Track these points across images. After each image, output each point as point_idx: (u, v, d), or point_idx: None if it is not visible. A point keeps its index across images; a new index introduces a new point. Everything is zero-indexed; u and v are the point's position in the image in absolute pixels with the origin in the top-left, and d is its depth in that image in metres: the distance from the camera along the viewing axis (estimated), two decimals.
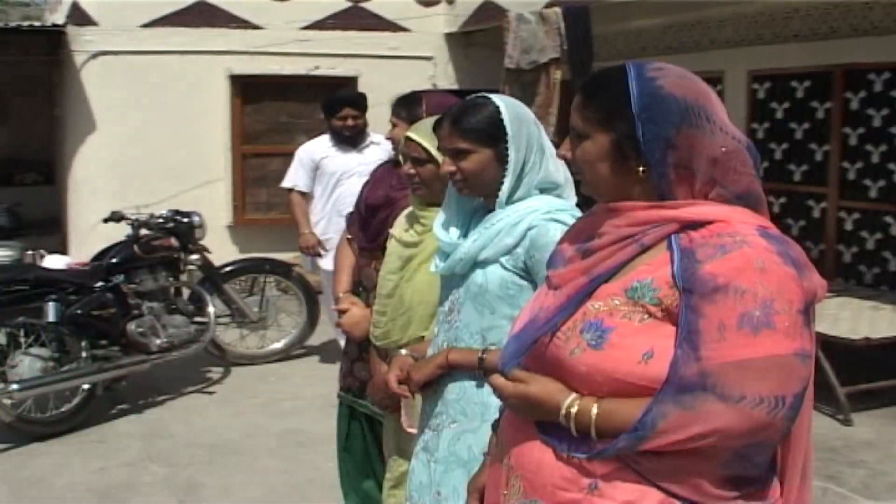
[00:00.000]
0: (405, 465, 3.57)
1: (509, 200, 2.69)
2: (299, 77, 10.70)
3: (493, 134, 2.66)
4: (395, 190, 3.90)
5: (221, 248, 7.77)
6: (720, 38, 9.31)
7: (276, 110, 10.75)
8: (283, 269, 7.56)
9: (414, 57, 11.27)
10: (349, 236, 4.18)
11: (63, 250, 10.15)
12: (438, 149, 2.83)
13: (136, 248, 6.53)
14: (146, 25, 10.28)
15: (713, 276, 1.75)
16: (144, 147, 10.22)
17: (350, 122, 6.74)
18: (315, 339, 7.69)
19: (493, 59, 11.05)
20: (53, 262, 6.60)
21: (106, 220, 7.01)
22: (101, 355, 6.08)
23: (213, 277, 7.12)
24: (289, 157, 10.52)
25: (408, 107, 3.92)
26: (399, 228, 3.47)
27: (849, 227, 7.97)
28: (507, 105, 2.70)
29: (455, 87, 11.34)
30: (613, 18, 9.38)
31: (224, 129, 10.56)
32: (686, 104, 1.87)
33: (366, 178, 5.61)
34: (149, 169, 10.17)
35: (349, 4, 10.95)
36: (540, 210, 2.65)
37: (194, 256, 6.95)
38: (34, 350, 5.82)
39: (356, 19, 11.00)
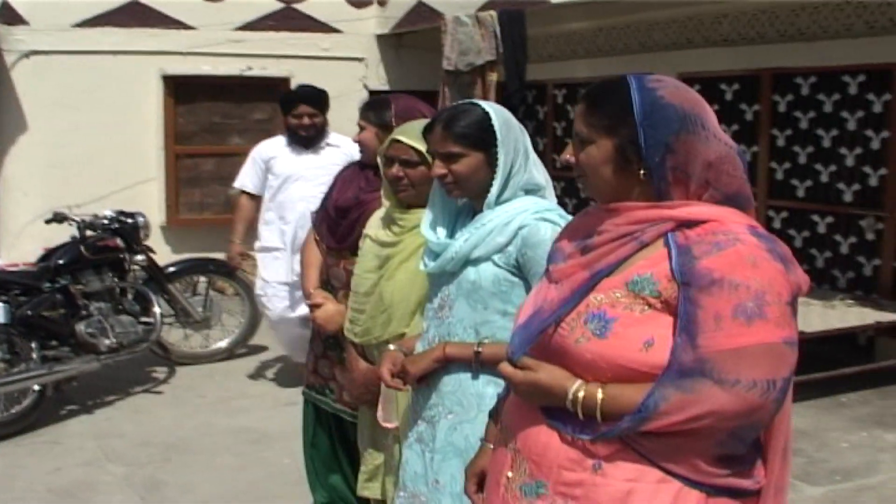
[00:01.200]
0: (380, 458, 3.70)
1: (497, 201, 2.82)
2: (232, 78, 10.70)
3: (484, 138, 2.79)
4: (364, 192, 4.00)
5: (155, 249, 7.73)
6: (650, 41, 9.56)
7: (209, 111, 10.73)
8: (226, 270, 7.57)
9: (346, 58, 11.34)
10: (316, 237, 4.27)
11: None
12: (428, 151, 2.94)
13: (82, 248, 6.52)
14: (78, 25, 10.20)
15: (709, 270, 1.91)
16: (77, 147, 10.14)
17: (306, 120, 6.38)
18: (258, 339, 7.74)
19: (425, 60, 11.22)
20: None
21: (48, 221, 7.01)
22: (51, 356, 6.09)
23: (158, 278, 7.14)
24: (222, 157, 10.68)
25: (376, 110, 4.00)
26: (374, 229, 3.57)
27: (777, 225, 8.25)
28: (495, 111, 2.84)
29: (386, 87, 11.46)
30: (544, 21, 9.58)
31: (157, 129, 10.51)
32: (684, 112, 2.02)
33: (315, 183, 5.84)
34: (81, 169, 10.10)
35: (282, 6, 10.98)
36: (529, 210, 2.78)
37: (139, 257, 6.97)
38: None
39: (288, 20, 11.03)
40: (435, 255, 2.89)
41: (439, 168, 2.83)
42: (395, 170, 3.35)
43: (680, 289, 1.94)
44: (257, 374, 7.17)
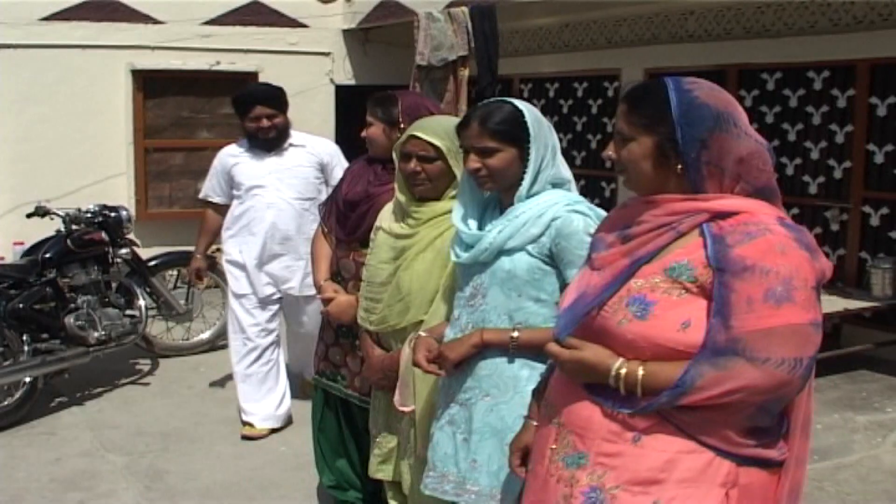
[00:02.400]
0: (393, 442, 3.84)
1: (528, 194, 2.98)
2: (200, 72, 10.72)
3: (517, 134, 2.95)
4: (373, 185, 4.13)
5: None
6: (617, 37, 9.76)
7: (177, 105, 10.74)
8: (211, 262, 7.63)
9: (313, 52, 11.43)
10: (325, 229, 4.40)
11: None
12: (462, 147, 3.08)
13: (68, 242, 6.58)
14: (46, 19, 10.16)
15: (742, 258, 2.09)
16: (46, 142, 10.12)
17: (265, 122, 5.73)
18: None
19: (392, 54, 11.38)
20: None
21: (30, 215, 7.02)
22: (43, 349, 6.14)
23: (141, 271, 7.21)
24: (191, 151, 10.72)
25: (384, 107, 4.15)
26: (387, 222, 3.72)
27: None
28: (527, 109, 2.99)
29: (353, 82, 11.60)
30: (512, 17, 9.76)
31: (126, 123, 10.51)
32: (718, 111, 2.20)
33: (281, 188, 5.75)
34: (50, 164, 10.07)
35: (249, 0, 11.04)
36: (560, 203, 2.94)
37: (123, 250, 7.03)
38: None
39: (256, 15, 11.09)
40: (467, 246, 3.04)
41: (474, 162, 2.97)
42: (413, 164, 3.49)
43: (715, 274, 2.11)
44: None
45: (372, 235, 3.84)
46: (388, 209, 3.79)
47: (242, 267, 5.84)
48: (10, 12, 10.00)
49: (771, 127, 8.34)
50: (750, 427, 2.18)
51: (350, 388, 4.29)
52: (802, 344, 2.09)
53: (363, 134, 4.25)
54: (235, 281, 5.90)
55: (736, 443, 2.16)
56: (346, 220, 4.22)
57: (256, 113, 5.73)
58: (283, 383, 5.95)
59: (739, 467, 2.17)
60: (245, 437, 5.71)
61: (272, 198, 5.76)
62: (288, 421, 5.92)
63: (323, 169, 5.90)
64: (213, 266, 7.44)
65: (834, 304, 7.16)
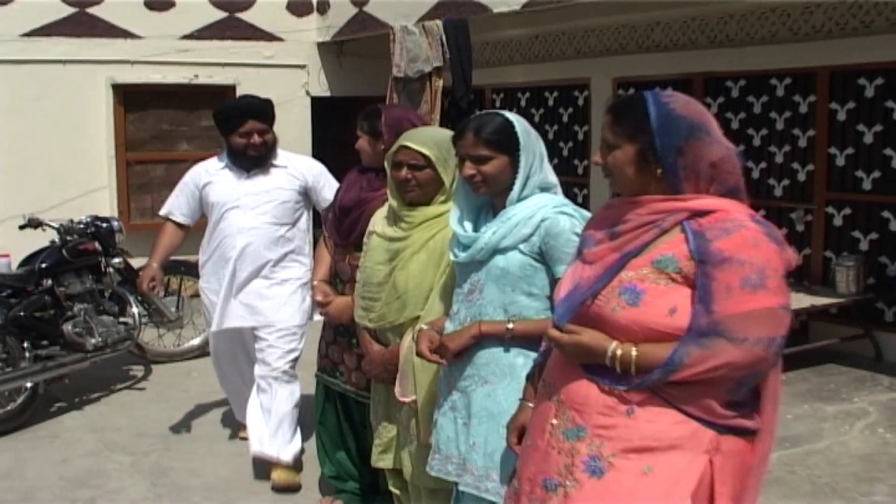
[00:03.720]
0: (393, 431, 4.11)
1: (518, 198, 3.26)
2: (180, 86, 10.97)
3: (508, 143, 3.23)
4: (365, 191, 4.44)
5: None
6: (585, 47, 10.08)
7: (157, 118, 10.99)
8: (197, 271, 7.83)
9: (288, 65, 11.70)
10: (325, 234, 4.69)
11: None
12: (457, 155, 3.36)
13: (64, 252, 6.80)
14: (27, 34, 10.37)
15: (721, 250, 2.39)
16: (28, 155, 10.32)
17: (257, 138, 5.28)
18: None
19: (366, 66, 11.66)
20: None
21: (23, 227, 7.26)
22: (43, 355, 6.36)
23: (133, 279, 7.41)
24: (171, 164, 10.93)
25: (369, 120, 4.47)
26: (380, 226, 4.00)
27: None
28: (517, 120, 3.28)
29: (328, 94, 11.87)
30: (484, 28, 10.05)
31: (107, 136, 10.74)
32: (692, 122, 2.50)
33: (255, 212, 5.27)
34: (33, 177, 10.27)
35: (225, 15, 11.28)
36: (549, 205, 3.23)
37: (116, 260, 7.26)
38: None
39: (233, 29, 11.34)
40: (464, 247, 3.32)
41: (470, 169, 3.25)
42: (404, 173, 3.77)
43: (697, 266, 2.40)
44: None
45: (365, 239, 4.12)
46: (380, 214, 4.07)
47: (213, 296, 5.43)
48: None
49: (737, 132, 8.67)
50: (730, 400, 2.46)
51: (348, 384, 4.57)
52: (776, 324, 2.38)
53: (356, 146, 4.57)
54: (208, 310, 5.54)
55: (718, 414, 2.44)
56: (340, 224, 4.51)
57: (248, 128, 5.26)
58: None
59: (721, 436, 2.45)
60: (244, 439, 5.60)
61: (244, 221, 5.29)
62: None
63: (307, 192, 5.43)
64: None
65: (801, 301, 7.48)
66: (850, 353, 7.67)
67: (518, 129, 3.25)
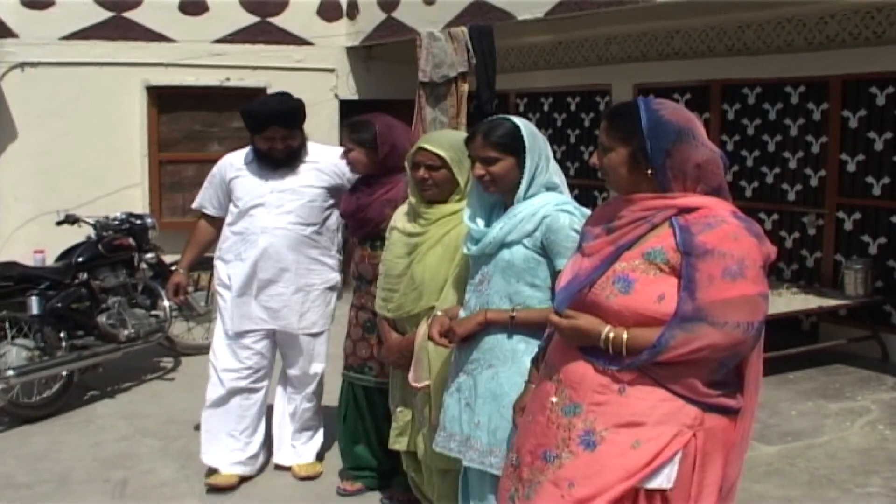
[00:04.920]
0: (409, 415, 4.37)
1: (525, 196, 3.52)
2: (212, 88, 11.25)
3: (515, 146, 3.50)
4: (363, 198, 4.80)
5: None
6: (608, 54, 10.30)
7: (190, 119, 11.29)
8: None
9: (318, 69, 11.96)
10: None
11: None
12: (469, 157, 3.62)
13: (99, 247, 7.11)
14: (66, 38, 10.68)
15: (704, 243, 2.64)
16: (65, 154, 10.65)
17: (279, 144, 5.15)
18: None
19: (394, 71, 11.90)
20: None
21: (60, 223, 7.56)
22: (79, 345, 6.67)
23: (164, 274, 7.70)
24: (202, 163, 11.20)
25: (360, 132, 4.80)
26: (401, 222, 4.28)
27: None
28: (524, 124, 3.55)
29: (356, 97, 12.12)
30: (508, 35, 10.28)
31: (141, 137, 11.05)
32: (679, 127, 2.75)
33: (281, 211, 5.14)
34: (69, 175, 10.59)
35: (257, 19, 11.56)
36: (551, 203, 3.49)
37: (149, 255, 7.55)
38: (20, 341, 6.35)
39: (264, 33, 11.62)
40: (476, 241, 3.59)
41: (480, 169, 3.53)
42: (422, 172, 4.05)
43: (683, 257, 2.66)
44: None
45: (387, 234, 4.40)
46: (400, 211, 4.36)
47: (228, 293, 5.27)
48: (33, 32, 10.54)
49: (751, 138, 8.89)
50: (712, 380, 2.70)
51: (380, 377, 4.82)
52: (753, 310, 2.63)
53: (342, 156, 4.90)
54: (221, 313, 5.34)
55: (701, 392, 2.69)
56: (352, 226, 4.91)
57: (270, 133, 5.11)
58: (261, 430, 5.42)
59: (705, 413, 2.70)
60: (211, 487, 5.18)
61: (267, 221, 5.16)
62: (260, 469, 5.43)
63: (337, 191, 5.23)
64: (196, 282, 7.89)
65: (810, 302, 7.71)
66: (857, 354, 7.87)
67: (524, 132, 3.51)
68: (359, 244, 4.88)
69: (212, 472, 5.25)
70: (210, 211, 5.49)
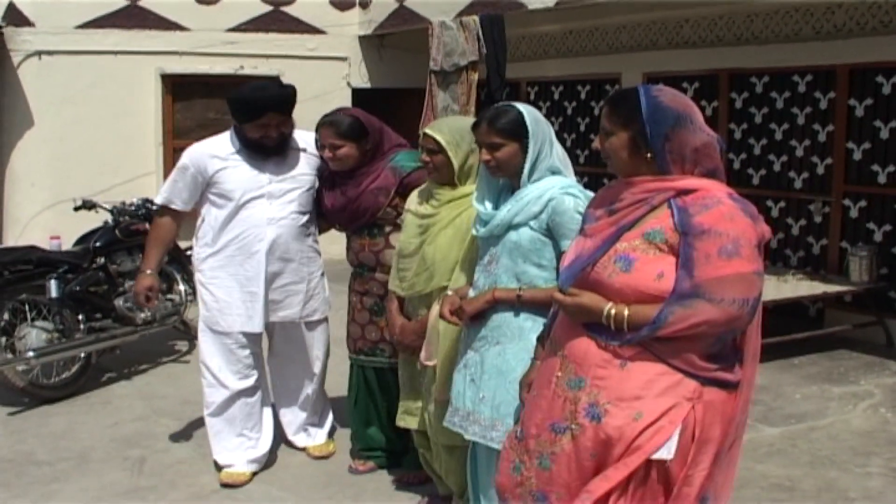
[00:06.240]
0: (418, 394, 4.49)
1: (530, 180, 3.64)
2: (225, 76, 11.44)
3: (518, 132, 3.62)
4: (349, 191, 4.85)
5: None
6: (617, 43, 10.39)
7: (204, 107, 11.47)
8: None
9: (330, 57, 12.12)
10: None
11: None
12: (476, 142, 3.74)
13: (117, 232, 7.25)
14: (81, 27, 10.89)
15: (701, 223, 2.75)
16: (80, 142, 10.85)
17: (273, 132, 4.89)
18: None
19: (405, 59, 12.03)
20: None
21: (77, 208, 7.69)
22: (96, 327, 6.81)
23: (179, 259, 7.85)
24: None
25: (342, 127, 4.79)
26: (414, 205, 4.40)
27: None
28: (527, 111, 3.67)
29: (368, 85, 12.27)
30: (519, 24, 10.39)
31: (155, 125, 11.25)
32: (677, 112, 2.86)
33: (283, 200, 4.96)
34: (84, 162, 10.80)
35: (270, 8, 11.73)
36: (556, 186, 3.61)
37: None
38: (39, 323, 6.49)
39: (277, 22, 11.80)
40: (484, 223, 3.71)
41: (485, 155, 3.66)
42: (424, 156, 4.20)
43: (680, 237, 2.76)
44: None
45: (403, 216, 4.52)
46: (414, 195, 4.47)
47: (229, 295, 5.01)
48: (48, 21, 10.71)
49: (759, 127, 8.99)
50: (710, 354, 2.82)
51: (392, 357, 4.90)
52: (748, 288, 2.73)
53: (328, 155, 4.82)
54: (218, 314, 5.05)
55: (700, 366, 2.80)
56: (343, 219, 4.99)
57: (266, 121, 4.84)
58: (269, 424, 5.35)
59: (703, 386, 2.81)
60: (225, 485, 5.10)
61: (272, 212, 4.95)
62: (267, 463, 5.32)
63: (317, 177, 5.12)
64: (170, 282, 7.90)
65: (816, 288, 7.80)
66: (861, 340, 7.97)
67: (527, 119, 3.63)
68: (355, 235, 4.95)
69: (223, 467, 5.18)
70: (178, 206, 5.11)
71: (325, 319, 5.38)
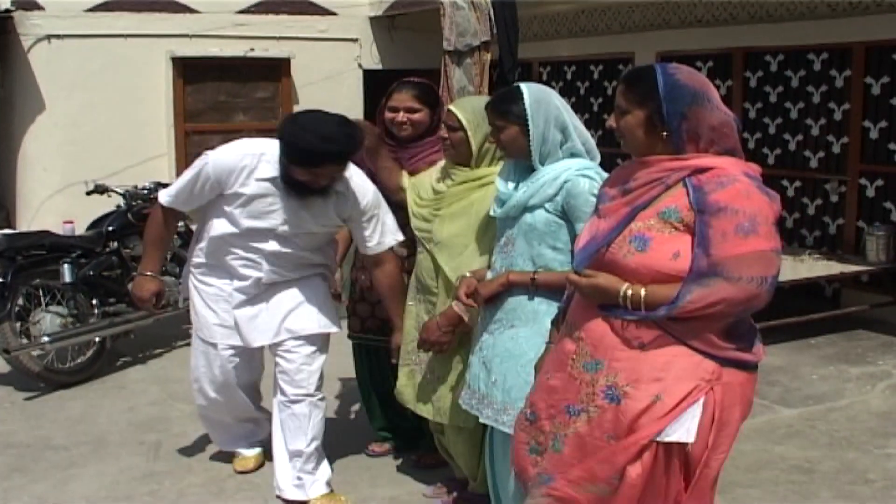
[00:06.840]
0: (405, 371, 4.44)
1: (544, 162, 3.60)
2: (236, 59, 11.41)
3: (518, 113, 3.60)
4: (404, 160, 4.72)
5: None
6: (630, 22, 10.33)
7: (215, 90, 11.44)
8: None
9: (341, 39, 12.07)
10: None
11: (9, 225, 10.76)
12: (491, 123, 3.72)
13: (129, 216, 7.23)
14: (91, 10, 10.85)
15: (717, 201, 2.71)
16: (91, 125, 10.82)
17: (323, 181, 4.34)
18: None
19: (417, 40, 11.97)
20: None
21: (90, 193, 7.66)
22: (111, 312, 6.81)
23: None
24: (228, 133, 11.30)
25: (427, 92, 4.75)
26: (429, 177, 4.38)
27: None
28: (529, 91, 3.63)
29: (379, 66, 12.22)
30: (531, 4, 10.32)
31: (167, 107, 11.21)
32: (695, 90, 2.83)
33: (290, 240, 4.50)
34: (96, 146, 10.76)
35: None
36: (572, 168, 3.58)
37: (178, 224, 7.64)
38: (53, 308, 6.50)
39: (287, 4, 11.75)
40: (502, 203, 3.68)
41: (493, 136, 3.65)
42: (443, 131, 4.17)
43: (696, 215, 2.73)
44: None
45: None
46: (435, 169, 4.40)
47: (216, 304, 4.67)
48: (59, 4, 10.68)
49: (774, 106, 8.92)
50: (728, 334, 2.79)
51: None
52: (766, 265, 2.70)
53: (402, 119, 4.65)
54: (202, 321, 4.74)
55: (718, 347, 2.78)
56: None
57: (321, 171, 4.28)
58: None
59: (722, 368, 2.79)
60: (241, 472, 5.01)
61: (276, 245, 4.51)
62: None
63: (345, 221, 4.61)
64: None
65: (833, 268, 7.76)
66: (879, 320, 7.91)
67: (526, 101, 3.60)
68: None
69: (233, 456, 5.07)
70: (181, 208, 4.69)
71: (326, 335, 4.76)
